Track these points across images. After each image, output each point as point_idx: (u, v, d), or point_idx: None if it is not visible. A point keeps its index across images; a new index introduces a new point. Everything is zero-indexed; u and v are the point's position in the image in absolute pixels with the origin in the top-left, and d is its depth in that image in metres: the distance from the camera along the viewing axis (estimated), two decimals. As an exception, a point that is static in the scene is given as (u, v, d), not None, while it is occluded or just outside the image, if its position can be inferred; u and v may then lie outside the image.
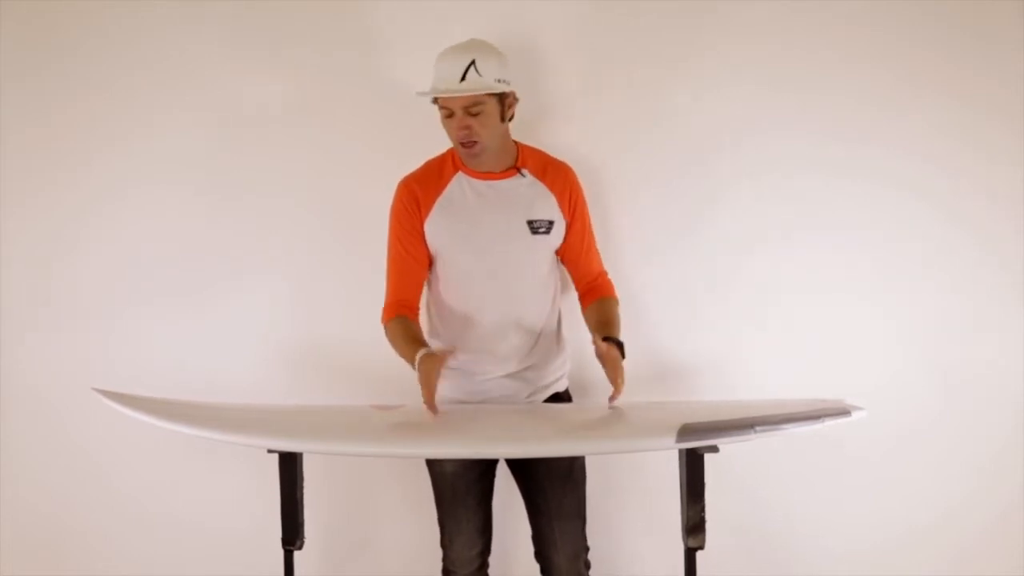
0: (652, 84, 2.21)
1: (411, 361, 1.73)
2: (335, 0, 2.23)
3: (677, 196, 2.23)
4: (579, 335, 2.04)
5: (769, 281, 2.22)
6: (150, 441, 2.13)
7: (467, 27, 2.09)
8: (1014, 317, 2.22)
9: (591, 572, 1.97)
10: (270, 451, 1.69)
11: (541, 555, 1.96)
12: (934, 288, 2.22)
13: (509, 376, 1.91)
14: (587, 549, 1.95)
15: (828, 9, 2.17)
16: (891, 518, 2.26)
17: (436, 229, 1.88)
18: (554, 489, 1.90)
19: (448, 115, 1.79)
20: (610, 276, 2.01)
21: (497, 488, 2.00)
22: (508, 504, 2.07)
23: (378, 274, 1.92)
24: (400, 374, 2.09)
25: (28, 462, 2.36)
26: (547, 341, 1.94)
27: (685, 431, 1.51)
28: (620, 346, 1.79)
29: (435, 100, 1.80)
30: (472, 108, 1.75)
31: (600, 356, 1.75)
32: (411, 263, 1.88)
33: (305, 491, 1.78)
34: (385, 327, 1.85)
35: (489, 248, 1.86)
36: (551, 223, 1.89)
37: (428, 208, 1.88)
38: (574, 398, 2.04)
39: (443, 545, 1.99)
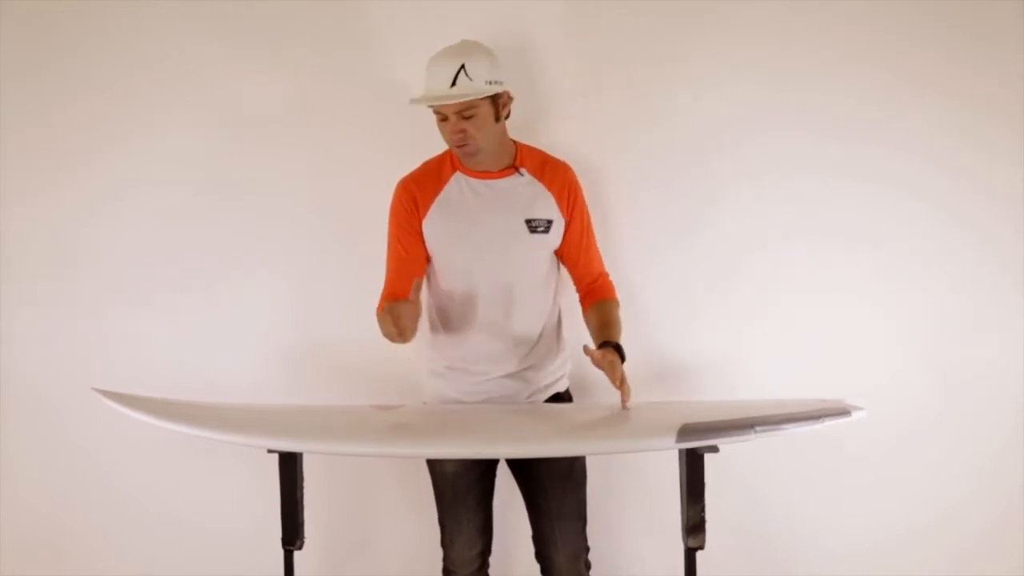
0: (652, 84, 2.21)
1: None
2: (335, 0, 2.23)
3: (677, 196, 2.23)
4: (580, 335, 2.04)
5: (769, 281, 2.22)
6: (150, 441, 2.13)
7: (467, 27, 2.09)
8: (1014, 317, 2.22)
9: (591, 572, 1.97)
10: (270, 451, 1.69)
11: (541, 555, 1.96)
12: (934, 288, 2.22)
13: (509, 376, 1.91)
14: (587, 549, 1.95)
15: (828, 9, 2.17)
16: (891, 518, 2.26)
17: (434, 229, 1.88)
18: (554, 489, 1.90)
19: (442, 119, 1.79)
20: (610, 276, 2.01)
21: (498, 488, 2.00)
22: (509, 504, 2.07)
23: (378, 274, 1.91)
24: (400, 374, 2.10)
25: (28, 462, 2.36)
26: (547, 341, 1.94)
27: (685, 431, 1.51)
28: (619, 348, 1.79)
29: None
30: (465, 112, 1.75)
31: (595, 364, 1.74)
32: (409, 261, 1.88)
33: (305, 491, 1.78)
34: (377, 316, 1.83)
35: (487, 247, 1.86)
36: (549, 222, 1.89)
37: (426, 208, 1.88)
38: (575, 398, 2.04)
39: (443, 545, 1.99)
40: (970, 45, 2.18)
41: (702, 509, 1.61)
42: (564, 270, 1.99)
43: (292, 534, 1.75)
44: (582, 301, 1.97)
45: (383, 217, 1.92)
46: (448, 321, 1.93)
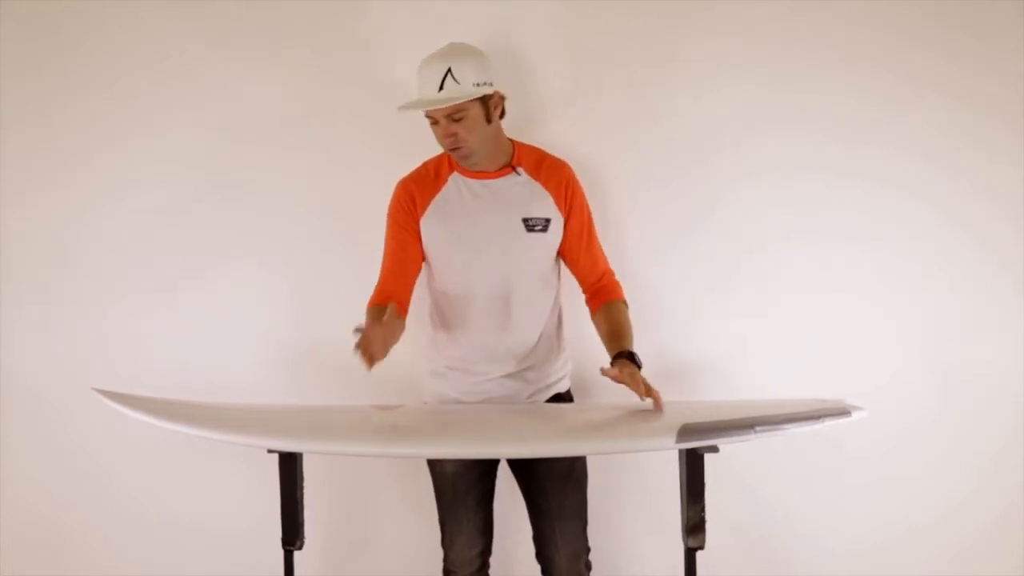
0: (652, 84, 2.21)
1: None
2: (335, 0, 2.23)
3: (677, 196, 2.23)
4: (581, 335, 2.04)
5: (769, 281, 2.22)
6: (150, 441, 2.13)
7: (467, 27, 2.10)
8: (1014, 317, 2.22)
9: (592, 573, 1.97)
10: (270, 451, 1.69)
11: (542, 555, 1.96)
12: (934, 288, 2.22)
13: (509, 376, 1.91)
14: (588, 550, 1.95)
15: (828, 9, 2.17)
16: (891, 518, 2.26)
17: (432, 229, 1.88)
18: (555, 489, 1.90)
19: (434, 123, 1.79)
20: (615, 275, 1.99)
21: (499, 488, 2.00)
22: (510, 505, 2.07)
23: (378, 273, 1.92)
24: (400, 374, 2.10)
25: (28, 462, 2.36)
26: (548, 341, 1.94)
27: (685, 431, 1.51)
28: (633, 356, 1.77)
29: None
30: (455, 115, 1.75)
31: (615, 381, 1.72)
32: (404, 260, 1.89)
33: (305, 491, 1.78)
34: (367, 309, 1.84)
35: (485, 247, 1.86)
36: (548, 221, 1.88)
37: (424, 208, 1.88)
38: (576, 398, 2.04)
39: (444, 545, 1.99)
40: (970, 45, 2.17)
41: (702, 509, 1.61)
42: (566, 270, 1.99)
43: (292, 534, 1.75)
44: (588, 302, 1.96)
45: (383, 217, 1.92)
46: (448, 321, 1.93)
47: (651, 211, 2.23)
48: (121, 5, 2.26)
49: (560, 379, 1.98)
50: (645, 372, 1.74)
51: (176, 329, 2.30)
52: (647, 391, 1.67)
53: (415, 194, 1.89)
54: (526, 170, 1.90)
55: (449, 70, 1.73)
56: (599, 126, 2.22)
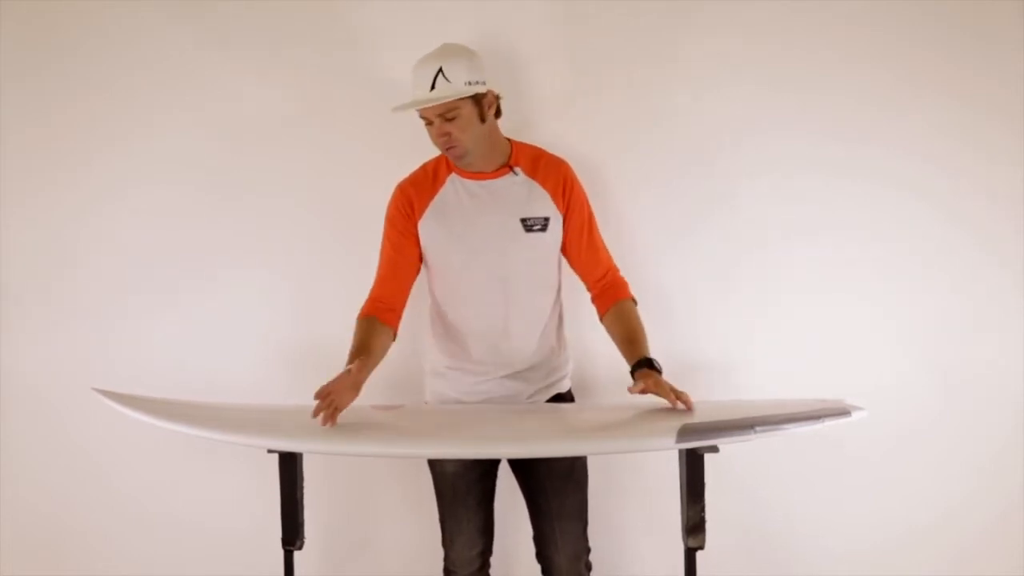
0: (652, 84, 2.21)
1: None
2: (334, 0, 2.23)
3: (677, 196, 2.23)
4: (582, 334, 2.04)
5: (769, 281, 2.22)
6: (150, 441, 2.13)
7: (467, 27, 2.11)
8: (1014, 317, 2.22)
9: (592, 573, 1.97)
10: (270, 451, 1.69)
11: (542, 556, 1.96)
12: (934, 288, 2.22)
13: (510, 376, 1.91)
14: (588, 550, 1.95)
15: (828, 9, 2.17)
16: (891, 518, 2.26)
17: (430, 231, 1.88)
18: (555, 490, 1.90)
19: (428, 123, 1.79)
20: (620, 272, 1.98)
21: (499, 488, 2.00)
22: (510, 504, 2.07)
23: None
24: (400, 374, 2.10)
25: (28, 462, 2.36)
26: (548, 341, 1.94)
27: (685, 431, 1.51)
28: (651, 363, 1.76)
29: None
30: (447, 114, 1.75)
31: (642, 394, 1.70)
32: (400, 265, 1.89)
33: (305, 491, 1.78)
34: (356, 321, 1.84)
35: (484, 248, 1.86)
36: (546, 220, 1.88)
37: (422, 210, 1.88)
38: (576, 398, 2.04)
39: (444, 545, 1.99)
40: (970, 45, 2.17)
41: (702, 509, 1.61)
42: (567, 269, 1.98)
43: (292, 534, 1.75)
44: (595, 301, 1.94)
45: (382, 217, 1.92)
46: (448, 322, 1.93)
47: (651, 211, 2.23)
48: (121, 5, 2.26)
49: (561, 379, 1.98)
50: (645, 372, 1.74)
51: (176, 329, 2.30)
52: (676, 397, 1.66)
53: (412, 198, 1.89)
54: (523, 170, 1.90)
55: (440, 69, 1.74)
56: (599, 126, 2.22)
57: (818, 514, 2.27)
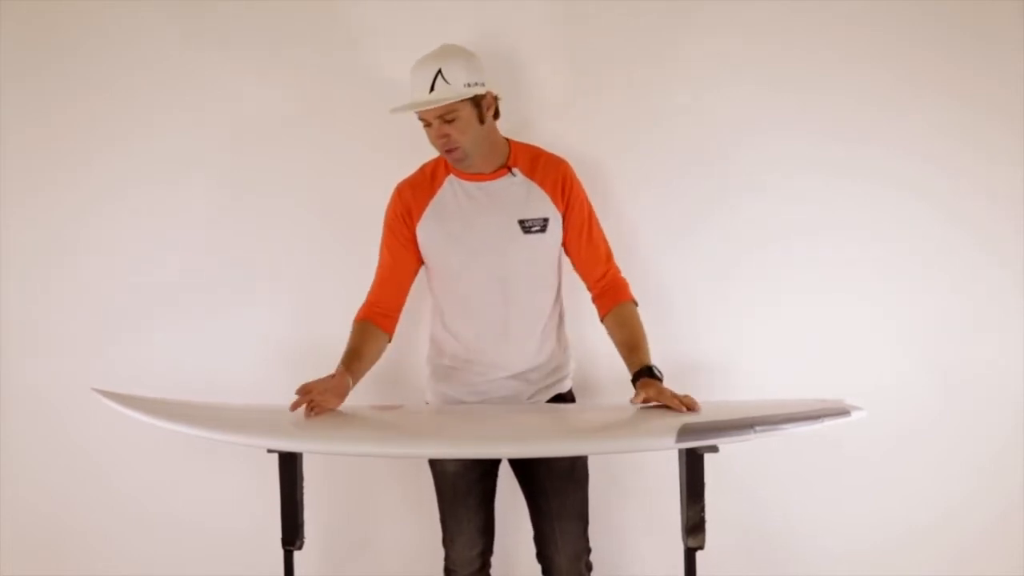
0: (652, 84, 2.21)
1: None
2: (334, 1, 2.23)
3: (677, 196, 2.23)
4: (583, 335, 2.04)
5: (769, 281, 2.22)
6: (150, 441, 2.13)
7: (467, 27, 2.10)
8: (1014, 317, 2.22)
9: (592, 573, 1.97)
10: (270, 451, 1.69)
11: (542, 556, 1.96)
12: (934, 288, 2.22)
13: (511, 377, 1.90)
14: (589, 550, 1.95)
15: (828, 9, 2.17)
16: (891, 518, 2.26)
17: (429, 233, 1.88)
18: (555, 490, 1.89)
19: (426, 125, 1.79)
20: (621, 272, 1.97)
21: (500, 488, 2.00)
22: (511, 504, 2.07)
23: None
24: (400, 374, 2.10)
25: (28, 462, 2.36)
26: (549, 341, 1.93)
27: (685, 431, 1.51)
28: (652, 371, 1.75)
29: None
30: (446, 116, 1.75)
31: (646, 403, 1.70)
32: (396, 272, 1.90)
33: (305, 491, 1.78)
34: (352, 324, 1.88)
35: (483, 250, 1.86)
36: (545, 220, 1.88)
37: (420, 213, 1.88)
38: (577, 398, 2.03)
39: (445, 545, 1.99)
40: (970, 45, 2.17)
41: (702, 509, 1.61)
42: (568, 269, 1.97)
43: (292, 534, 1.75)
44: (595, 301, 1.93)
45: (382, 218, 1.92)
46: (448, 322, 1.93)
47: (651, 211, 2.23)
48: (121, 5, 2.26)
49: (562, 379, 1.97)
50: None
51: (176, 329, 2.30)
52: (680, 403, 1.65)
53: (410, 201, 1.89)
54: (522, 170, 1.89)
55: (439, 71, 1.73)
56: (599, 126, 2.22)
57: (818, 514, 2.27)
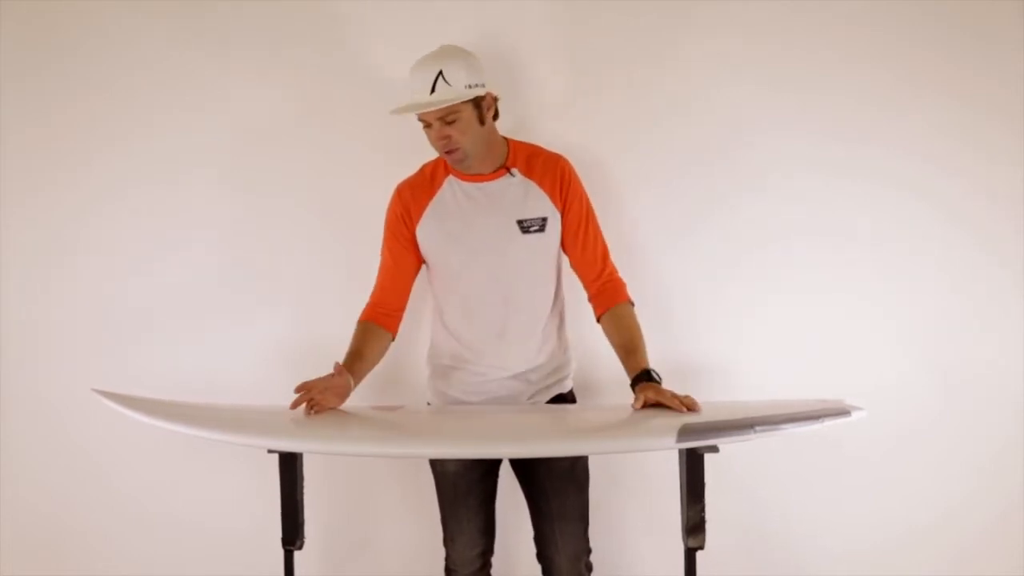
0: (652, 84, 2.21)
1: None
2: (334, 1, 2.23)
3: (677, 196, 2.22)
4: (584, 335, 2.04)
5: (769, 281, 2.22)
6: (150, 441, 2.13)
7: (467, 27, 2.10)
8: (1014, 317, 2.21)
9: (592, 573, 1.97)
10: (270, 451, 1.69)
11: (543, 556, 1.96)
12: (934, 288, 2.22)
13: (511, 377, 1.90)
14: (589, 551, 1.95)
15: (828, 9, 2.17)
16: (891, 518, 2.26)
17: (428, 234, 1.88)
18: (556, 490, 1.89)
19: (427, 126, 1.79)
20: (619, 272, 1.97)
21: (500, 488, 2.00)
22: (511, 504, 2.07)
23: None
24: (401, 374, 2.10)
25: (28, 462, 2.36)
26: (549, 342, 1.93)
27: (685, 431, 1.51)
28: (650, 374, 1.74)
29: None
30: (447, 117, 1.75)
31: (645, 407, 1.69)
32: (398, 273, 1.91)
33: (305, 491, 1.78)
34: (356, 324, 1.90)
35: (482, 251, 1.86)
36: (544, 220, 1.87)
37: (420, 214, 1.89)
38: (578, 399, 2.03)
39: (445, 545, 1.99)
40: (970, 45, 2.17)
41: (702, 509, 1.61)
42: (568, 270, 1.97)
43: (292, 534, 1.75)
44: (592, 301, 1.93)
45: (383, 218, 1.93)
46: (449, 322, 1.93)
47: (651, 211, 2.23)
48: (121, 5, 2.26)
49: (562, 379, 1.97)
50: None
51: (176, 329, 2.29)
52: (680, 403, 1.65)
53: (409, 203, 1.90)
54: (520, 170, 1.89)
55: (440, 72, 1.73)
56: (599, 126, 2.22)
57: (818, 514, 2.27)
